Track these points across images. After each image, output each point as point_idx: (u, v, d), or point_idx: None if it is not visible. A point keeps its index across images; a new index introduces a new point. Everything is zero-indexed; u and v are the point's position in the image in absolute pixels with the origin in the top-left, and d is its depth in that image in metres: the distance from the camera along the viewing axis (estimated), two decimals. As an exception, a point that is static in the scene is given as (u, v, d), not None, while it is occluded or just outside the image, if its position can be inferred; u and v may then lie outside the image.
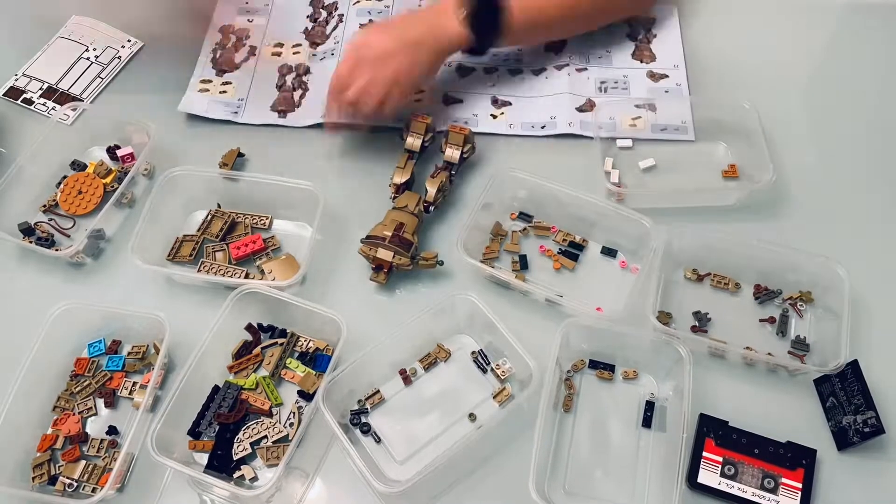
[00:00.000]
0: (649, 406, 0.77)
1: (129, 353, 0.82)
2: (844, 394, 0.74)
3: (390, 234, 0.83)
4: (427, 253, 0.84)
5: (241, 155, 0.94)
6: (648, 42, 1.05)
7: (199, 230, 0.89)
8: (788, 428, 0.75)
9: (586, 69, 1.02)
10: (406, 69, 0.87)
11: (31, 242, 0.88)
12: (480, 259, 0.85)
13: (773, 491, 0.71)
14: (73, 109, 1.00)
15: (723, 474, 0.72)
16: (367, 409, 0.78)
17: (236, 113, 0.99)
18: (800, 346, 0.80)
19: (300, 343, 0.82)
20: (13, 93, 1.03)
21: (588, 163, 0.92)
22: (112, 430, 0.78)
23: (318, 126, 0.97)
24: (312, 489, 0.75)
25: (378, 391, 0.79)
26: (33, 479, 0.75)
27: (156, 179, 0.89)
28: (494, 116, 0.98)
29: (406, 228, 0.84)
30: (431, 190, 0.88)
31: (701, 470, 0.73)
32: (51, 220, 0.92)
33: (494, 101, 1.00)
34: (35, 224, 0.90)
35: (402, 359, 0.80)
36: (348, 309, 0.78)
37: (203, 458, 0.75)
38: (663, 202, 0.88)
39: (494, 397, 0.78)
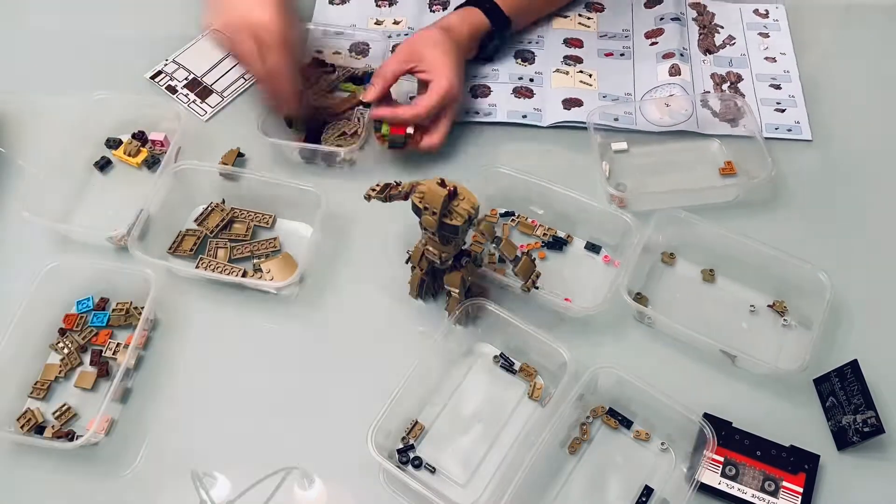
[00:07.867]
0: (647, 492, 0.73)
1: (113, 310, 0.83)
2: (844, 393, 0.75)
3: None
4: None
5: (240, 155, 0.94)
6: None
7: (195, 222, 0.89)
8: (788, 428, 0.75)
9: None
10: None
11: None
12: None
13: (774, 494, 0.71)
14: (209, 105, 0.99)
15: (723, 474, 0.72)
16: (412, 444, 0.76)
17: None
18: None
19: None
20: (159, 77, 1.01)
21: (587, 164, 0.93)
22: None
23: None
24: (313, 489, 0.74)
25: (416, 422, 0.77)
26: (30, 393, 0.78)
27: (162, 172, 0.88)
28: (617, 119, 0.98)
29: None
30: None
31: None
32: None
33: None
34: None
35: (430, 384, 0.79)
36: (347, 309, 0.77)
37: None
38: (665, 203, 0.88)
39: (530, 396, 0.78)
